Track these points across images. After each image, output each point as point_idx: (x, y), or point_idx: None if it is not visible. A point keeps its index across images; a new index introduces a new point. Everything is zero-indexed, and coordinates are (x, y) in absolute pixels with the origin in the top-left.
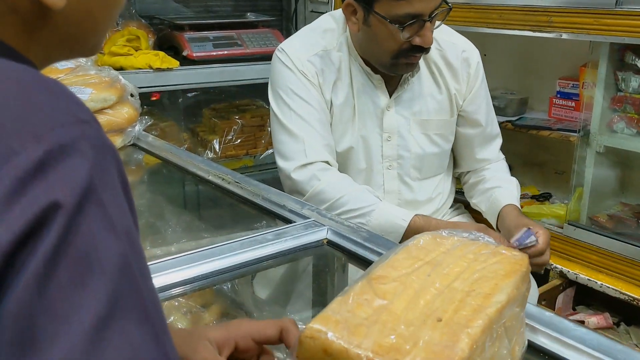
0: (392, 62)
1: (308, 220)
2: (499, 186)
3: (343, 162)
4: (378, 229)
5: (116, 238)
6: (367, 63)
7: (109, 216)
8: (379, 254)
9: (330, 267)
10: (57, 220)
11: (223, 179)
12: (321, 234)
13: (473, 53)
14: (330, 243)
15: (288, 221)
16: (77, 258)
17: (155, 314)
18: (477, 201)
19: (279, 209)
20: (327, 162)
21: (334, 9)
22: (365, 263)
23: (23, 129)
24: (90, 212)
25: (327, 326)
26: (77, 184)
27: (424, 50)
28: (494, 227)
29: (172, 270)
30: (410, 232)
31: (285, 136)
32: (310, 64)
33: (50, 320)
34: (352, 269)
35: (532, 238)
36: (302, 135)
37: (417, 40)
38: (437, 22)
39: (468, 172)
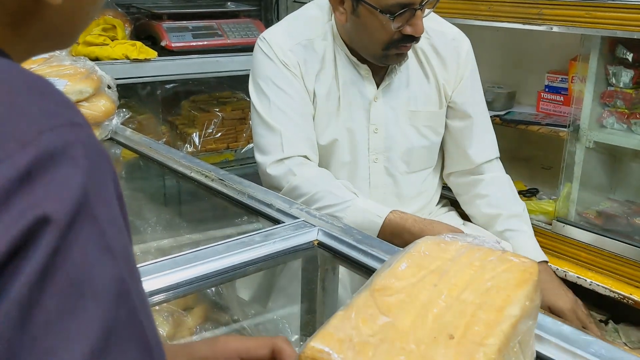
0: (382, 53)
1: (297, 220)
2: (515, 229)
3: (326, 155)
4: (354, 226)
5: (112, 260)
6: (353, 53)
7: (105, 234)
8: (373, 256)
9: (321, 270)
10: (46, 238)
11: (206, 176)
12: (311, 235)
13: (463, 42)
14: (321, 245)
15: (275, 221)
16: (67, 283)
17: (155, 346)
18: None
19: (265, 207)
20: (305, 157)
21: None
22: (358, 266)
23: (7, 134)
24: (84, 230)
25: (329, 345)
26: (68, 197)
27: (415, 39)
28: None
29: (153, 275)
30: (386, 229)
31: (263, 129)
32: (292, 53)
33: (35, 358)
34: (343, 272)
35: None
36: (279, 129)
37: (408, 30)
38: (427, 10)
39: (460, 173)
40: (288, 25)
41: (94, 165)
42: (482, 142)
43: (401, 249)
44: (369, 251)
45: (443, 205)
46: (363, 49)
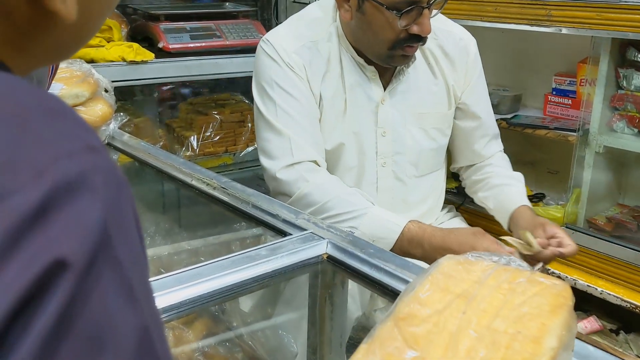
0: (388, 52)
1: (305, 232)
2: (507, 184)
3: (332, 160)
4: (369, 234)
5: (135, 307)
6: (359, 54)
7: (127, 279)
8: (385, 271)
9: (330, 284)
10: (62, 285)
11: (208, 184)
12: (320, 248)
13: (470, 42)
14: (330, 258)
15: (281, 232)
16: (85, 337)
17: None
18: (483, 196)
19: (270, 218)
20: (315, 162)
21: None
22: (369, 281)
23: (19, 161)
24: (104, 274)
25: None
26: (87, 236)
27: (422, 39)
28: (505, 226)
29: (154, 294)
30: (404, 238)
31: (270, 133)
32: (297, 56)
33: None
34: (352, 284)
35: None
36: (288, 133)
37: (414, 29)
38: (435, 11)
39: (468, 167)
40: (291, 26)
41: (114, 196)
42: (491, 139)
43: (415, 261)
44: (382, 266)
45: (448, 211)
46: (368, 49)
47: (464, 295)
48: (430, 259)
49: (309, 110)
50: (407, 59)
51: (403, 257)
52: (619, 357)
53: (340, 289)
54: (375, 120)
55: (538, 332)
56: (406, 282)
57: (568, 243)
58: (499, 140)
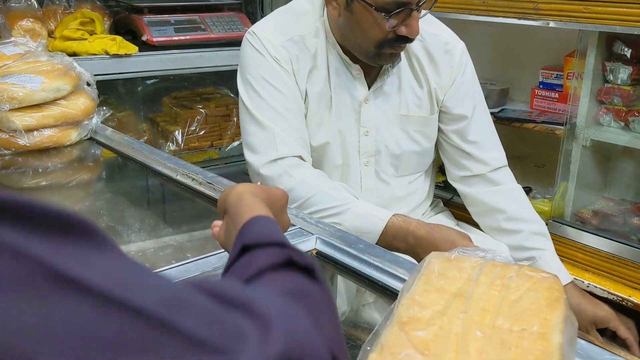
0: (375, 51)
1: (293, 227)
2: (540, 248)
3: (318, 158)
4: (353, 230)
5: None
6: (345, 52)
7: None
8: (376, 267)
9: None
10: None
11: (193, 179)
12: (309, 244)
13: (457, 45)
14: (320, 254)
15: None
16: None
17: None
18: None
19: None
20: (300, 157)
21: None
22: (359, 277)
23: None
24: None
25: None
26: None
27: (410, 40)
28: None
29: None
30: (388, 232)
31: (255, 127)
32: (284, 49)
33: None
34: (341, 281)
35: None
36: (272, 127)
37: (402, 30)
38: (423, 12)
39: (472, 180)
40: (278, 19)
41: None
42: (487, 142)
43: (404, 256)
44: (372, 261)
45: (436, 205)
46: (355, 47)
47: (460, 293)
48: (414, 253)
49: (295, 105)
50: (395, 57)
51: (393, 253)
52: (607, 350)
53: (329, 284)
54: (358, 119)
55: (542, 327)
56: (396, 277)
57: (630, 343)
58: (501, 153)
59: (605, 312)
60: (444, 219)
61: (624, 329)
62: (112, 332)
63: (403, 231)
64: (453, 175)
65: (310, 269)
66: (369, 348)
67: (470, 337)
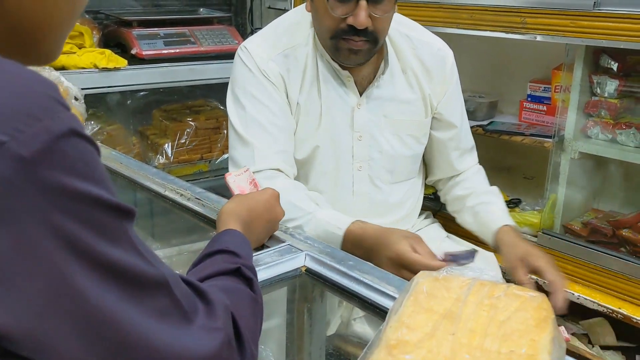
0: (332, 43)
1: (282, 244)
2: (486, 202)
3: (308, 163)
4: (318, 239)
5: None
6: (334, 58)
7: None
8: (365, 284)
9: (309, 299)
10: None
11: (181, 195)
12: (299, 261)
13: (448, 53)
14: (309, 271)
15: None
16: None
17: None
18: (463, 221)
19: None
20: (277, 170)
21: (293, 5)
22: (348, 294)
23: None
24: None
25: None
26: None
27: (359, 32)
28: (491, 245)
29: None
30: (347, 240)
31: (237, 142)
32: (274, 63)
33: None
34: (331, 299)
35: (470, 259)
36: (252, 142)
37: (350, 20)
38: (382, 9)
39: (445, 181)
40: (269, 33)
41: None
42: (466, 151)
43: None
44: (361, 278)
45: (426, 217)
46: (321, 41)
47: (449, 315)
48: (369, 259)
49: (281, 119)
50: (354, 54)
51: (382, 270)
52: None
53: (319, 302)
54: (351, 125)
55: (530, 349)
56: (385, 294)
57: (556, 288)
58: (475, 153)
59: (537, 251)
60: (434, 231)
61: (552, 272)
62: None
63: (359, 239)
64: (431, 178)
65: (249, 280)
66: None
67: (459, 359)
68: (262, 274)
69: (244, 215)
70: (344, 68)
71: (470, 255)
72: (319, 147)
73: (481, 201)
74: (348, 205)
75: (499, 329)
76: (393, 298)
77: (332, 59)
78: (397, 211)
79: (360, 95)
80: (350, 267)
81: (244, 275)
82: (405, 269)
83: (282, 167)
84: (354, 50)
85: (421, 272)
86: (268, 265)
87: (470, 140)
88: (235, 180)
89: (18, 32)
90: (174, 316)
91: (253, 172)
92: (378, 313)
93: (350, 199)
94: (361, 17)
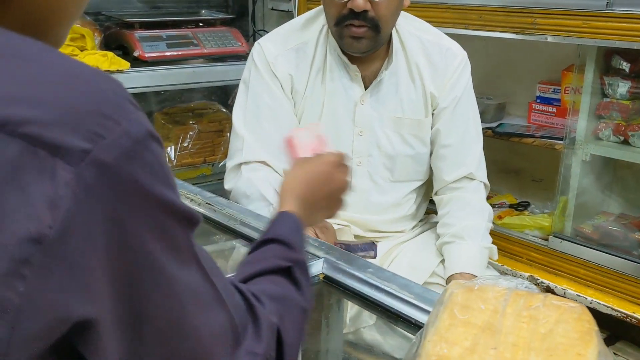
0: (336, 30)
1: None
2: (451, 241)
3: None
4: None
5: None
6: (344, 52)
7: None
8: (385, 292)
9: (327, 306)
10: None
11: (191, 200)
12: (316, 268)
13: (458, 52)
14: (327, 279)
15: None
16: None
17: None
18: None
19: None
20: (264, 162)
21: (296, 6)
22: (367, 302)
23: None
24: None
25: None
26: None
27: (359, 16)
28: None
29: None
30: None
31: (233, 134)
32: (283, 59)
33: None
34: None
35: (372, 254)
36: (243, 134)
37: (349, 4)
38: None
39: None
40: (285, 30)
41: None
42: (460, 162)
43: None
44: (381, 286)
45: (427, 222)
46: (330, 30)
47: (488, 328)
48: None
49: (278, 114)
50: (357, 42)
51: (402, 277)
52: None
53: (336, 309)
54: (353, 119)
55: None
56: (405, 302)
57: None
58: (473, 162)
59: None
60: (432, 235)
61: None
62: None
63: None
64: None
65: (299, 283)
66: None
67: None
68: None
69: (302, 191)
70: (352, 62)
71: (369, 247)
72: None
73: (451, 240)
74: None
75: (542, 343)
76: (413, 305)
77: (342, 52)
78: (395, 211)
79: (365, 90)
80: (369, 274)
81: (295, 278)
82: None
83: (269, 160)
84: (355, 36)
85: (454, 282)
86: None
87: (470, 147)
88: (298, 137)
89: (34, 17)
90: (228, 339)
91: (240, 164)
92: (398, 320)
93: (348, 195)
94: (358, 2)
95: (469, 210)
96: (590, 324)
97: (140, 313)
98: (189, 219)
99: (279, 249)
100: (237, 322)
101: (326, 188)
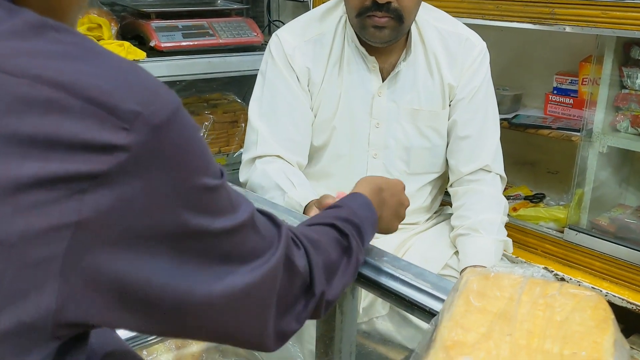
0: (357, 21)
1: None
2: (466, 234)
3: (324, 146)
4: None
5: None
6: (362, 43)
7: None
8: (400, 280)
9: (341, 295)
10: None
11: None
12: None
13: (477, 42)
14: None
15: None
16: None
17: None
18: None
19: None
20: (278, 156)
21: None
22: (383, 291)
23: None
24: None
25: None
26: None
27: (382, 7)
28: None
29: None
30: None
31: (248, 127)
32: (300, 51)
33: None
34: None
35: None
36: (258, 127)
37: None
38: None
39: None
40: (303, 21)
41: None
42: (477, 153)
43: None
44: (396, 274)
45: (440, 213)
46: (350, 21)
47: (504, 315)
48: None
49: (294, 106)
50: (379, 32)
51: (418, 266)
52: None
53: (350, 297)
54: (369, 112)
55: (593, 351)
56: (421, 290)
57: None
58: (489, 155)
59: None
60: (447, 227)
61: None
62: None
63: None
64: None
65: (346, 235)
66: None
67: None
68: None
69: (376, 185)
70: (370, 54)
71: None
72: (335, 129)
73: (460, 233)
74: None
75: (558, 330)
76: (428, 294)
77: (360, 43)
78: (410, 203)
79: (382, 82)
80: (384, 263)
81: (343, 232)
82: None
83: (283, 154)
84: (378, 26)
85: (469, 269)
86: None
87: (487, 145)
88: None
89: (52, 3)
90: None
91: (254, 158)
92: (413, 309)
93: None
94: None
95: (485, 203)
96: (606, 313)
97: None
98: (219, 173)
99: (341, 211)
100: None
101: (396, 198)
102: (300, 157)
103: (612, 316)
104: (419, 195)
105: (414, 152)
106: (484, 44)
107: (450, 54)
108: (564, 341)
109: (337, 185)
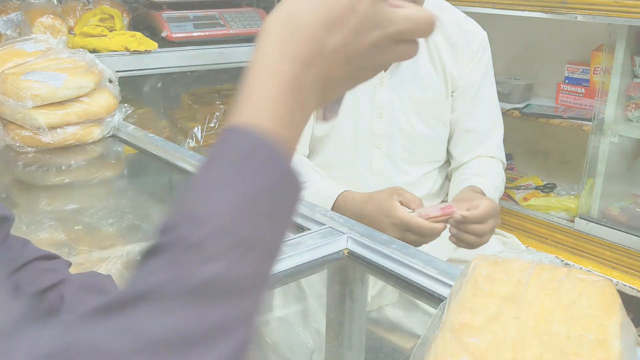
0: None
1: (324, 227)
2: (474, 174)
3: (327, 136)
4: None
5: None
6: None
7: None
8: (410, 267)
9: (351, 281)
10: None
11: None
12: (341, 244)
13: (478, 33)
14: (351, 254)
15: (298, 227)
16: None
17: None
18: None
19: None
20: None
21: None
22: (392, 277)
23: None
24: None
25: None
26: None
27: None
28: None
29: None
30: (338, 212)
31: None
32: None
33: None
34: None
35: (438, 212)
36: None
37: None
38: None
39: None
40: None
41: None
42: (483, 142)
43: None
44: (405, 261)
45: (444, 201)
46: None
47: (511, 298)
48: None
49: None
50: None
51: (426, 253)
52: None
53: (360, 285)
54: (372, 102)
55: (600, 334)
56: (430, 277)
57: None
58: (495, 146)
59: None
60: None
61: (481, 213)
62: None
63: (343, 208)
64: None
65: None
66: (419, 356)
67: (527, 344)
68: (304, 257)
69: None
70: None
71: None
72: (338, 120)
73: (470, 175)
74: (365, 181)
75: (565, 314)
76: (437, 280)
77: None
78: (416, 190)
79: (384, 71)
80: (393, 250)
81: None
82: (410, 232)
83: None
84: None
85: (478, 255)
86: (310, 248)
87: (490, 137)
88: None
89: None
90: None
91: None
92: (421, 295)
93: (368, 176)
94: None
95: (484, 168)
96: (614, 297)
97: None
98: None
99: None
100: None
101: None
102: (303, 146)
103: (619, 300)
104: (424, 183)
105: (417, 141)
106: (485, 34)
107: (452, 45)
108: (571, 324)
109: (342, 175)
